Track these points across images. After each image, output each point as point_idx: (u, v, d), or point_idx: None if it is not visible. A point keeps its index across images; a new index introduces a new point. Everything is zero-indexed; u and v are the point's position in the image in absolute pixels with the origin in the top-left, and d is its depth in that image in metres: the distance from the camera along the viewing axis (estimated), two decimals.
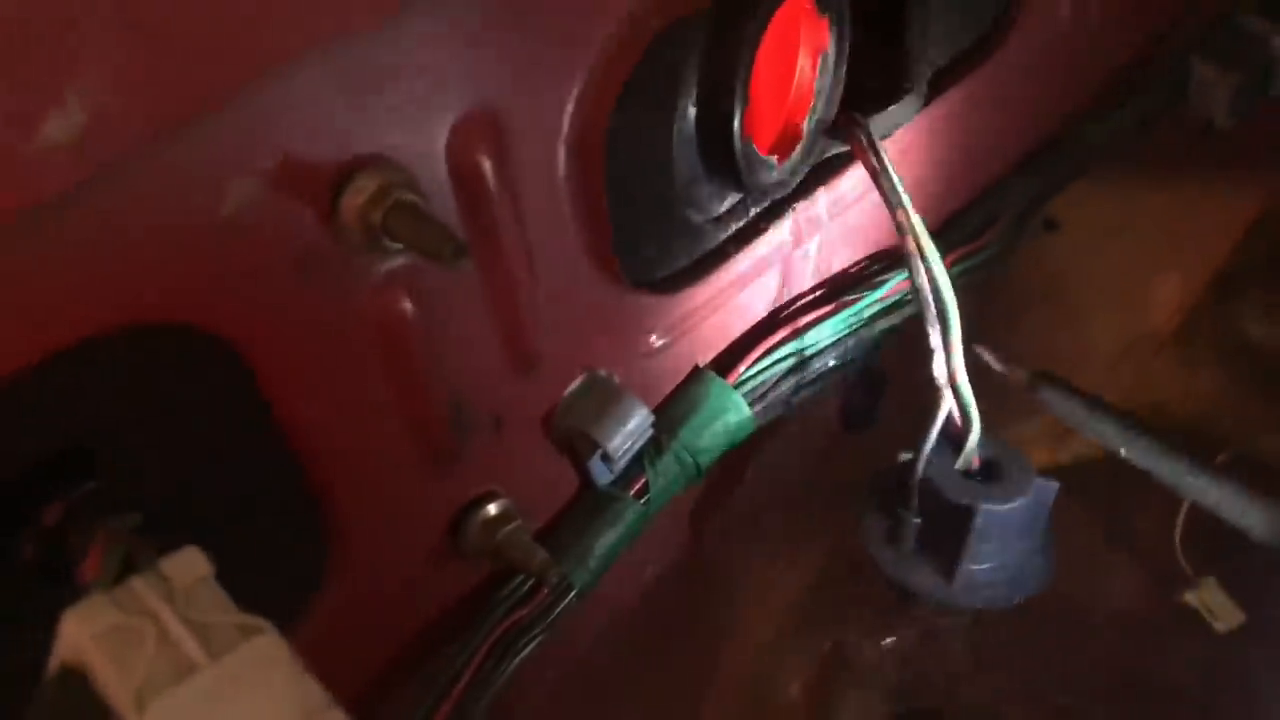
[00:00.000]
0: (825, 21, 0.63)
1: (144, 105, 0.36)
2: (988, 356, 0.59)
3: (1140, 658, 0.96)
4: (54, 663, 0.39)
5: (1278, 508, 0.53)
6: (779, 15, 0.59)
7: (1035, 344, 1.17)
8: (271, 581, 0.47)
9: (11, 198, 0.34)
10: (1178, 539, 0.99)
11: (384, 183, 0.44)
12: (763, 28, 0.57)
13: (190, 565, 0.41)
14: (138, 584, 0.40)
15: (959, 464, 0.64)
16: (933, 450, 0.62)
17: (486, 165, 0.48)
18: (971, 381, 0.64)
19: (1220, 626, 0.94)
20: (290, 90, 0.41)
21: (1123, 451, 0.56)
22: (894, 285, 0.72)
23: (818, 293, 0.73)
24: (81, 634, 0.38)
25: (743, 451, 0.72)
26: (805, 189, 0.69)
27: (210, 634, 0.39)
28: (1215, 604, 0.95)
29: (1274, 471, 1.06)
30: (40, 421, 0.42)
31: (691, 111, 0.59)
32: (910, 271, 0.62)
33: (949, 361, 0.61)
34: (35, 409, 0.41)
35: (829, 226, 0.72)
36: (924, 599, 0.67)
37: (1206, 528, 1.00)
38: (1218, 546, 0.98)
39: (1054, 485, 0.63)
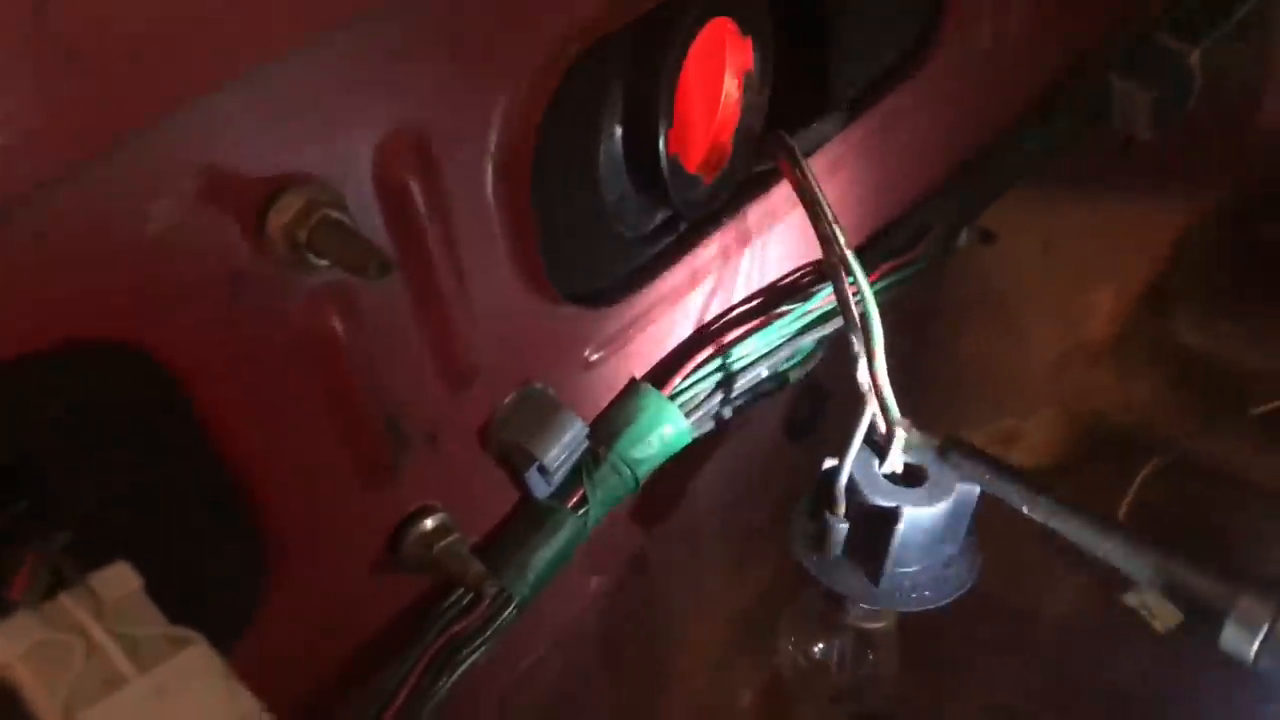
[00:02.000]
0: (749, 42, 0.65)
1: (66, 130, 0.37)
2: (903, 427, 0.63)
3: (1084, 659, 0.98)
4: None
5: (1165, 558, 0.57)
6: (702, 36, 0.61)
7: (977, 355, 1.20)
8: (211, 597, 0.48)
9: None
10: None
11: (310, 200, 0.45)
12: (684, 49, 0.59)
13: (119, 580, 0.42)
14: (66, 600, 0.40)
15: (883, 469, 0.66)
16: (858, 455, 0.64)
17: (413, 183, 0.50)
18: (903, 387, 0.66)
19: (1159, 626, 0.96)
20: (211, 111, 0.42)
21: (1025, 510, 0.60)
22: (823, 297, 0.74)
23: (750, 305, 0.75)
24: (8, 651, 0.39)
25: (685, 462, 0.73)
26: (735, 204, 0.71)
27: (139, 647, 0.40)
28: (1154, 604, 0.96)
29: (1207, 474, 1.10)
30: None
31: (618, 130, 0.60)
32: (833, 283, 0.64)
33: (871, 368, 0.63)
34: None
35: (759, 240, 0.74)
36: (851, 602, 0.69)
37: (1144, 529, 1.03)
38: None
39: (975, 489, 0.65)
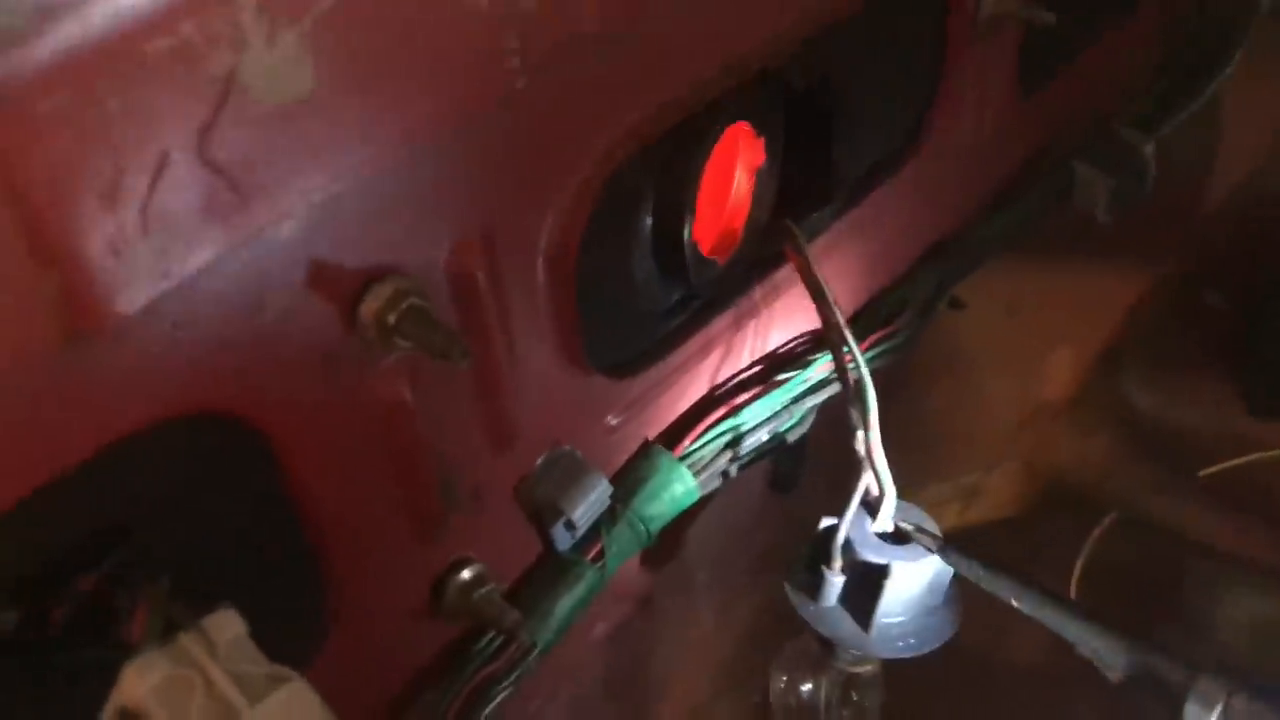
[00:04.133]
0: (761, 141, 0.72)
1: (209, 233, 0.43)
2: (907, 526, 0.72)
3: (1044, 705, 1.05)
4: (110, 710, 0.45)
5: (1134, 646, 0.65)
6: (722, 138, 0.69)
7: (944, 412, 1.27)
8: (280, 638, 0.54)
9: (106, 311, 0.41)
10: (1073, 593, 1.08)
11: (397, 290, 0.51)
12: (708, 154, 0.66)
13: (227, 623, 0.47)
14: (185, 640, 0.46)
15: (875, 527, 0.73)
16: (853, 515, 0.71)
17: (479, 274, 0.56)
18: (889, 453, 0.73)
19: (1112, 675, 1.03)
20: (321, 217, 0.48)
21: (1013, 601, 0.69)
22: (820, 366, 0.81)
23: (754, 372, 0.82)
24: (139, 684, 0.44)
25: (681, 515, 0.80)
26: (743, 282, 0.78)
27: (248, 683, 0.46)
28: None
29: (1159, 531, 1.17)
30: (92, 501, 0.48)
31: (648, 222, 0.67)
32: (834, 358, 0.71)
33: (867, 437, 0.70)
34: (89, 491, 0.47)
35: (765, 314, 0.81)
36: (844, 649, 0.76)
37: (1098, 582, 1.10)
38: (1108, 600, 1.08)
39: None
